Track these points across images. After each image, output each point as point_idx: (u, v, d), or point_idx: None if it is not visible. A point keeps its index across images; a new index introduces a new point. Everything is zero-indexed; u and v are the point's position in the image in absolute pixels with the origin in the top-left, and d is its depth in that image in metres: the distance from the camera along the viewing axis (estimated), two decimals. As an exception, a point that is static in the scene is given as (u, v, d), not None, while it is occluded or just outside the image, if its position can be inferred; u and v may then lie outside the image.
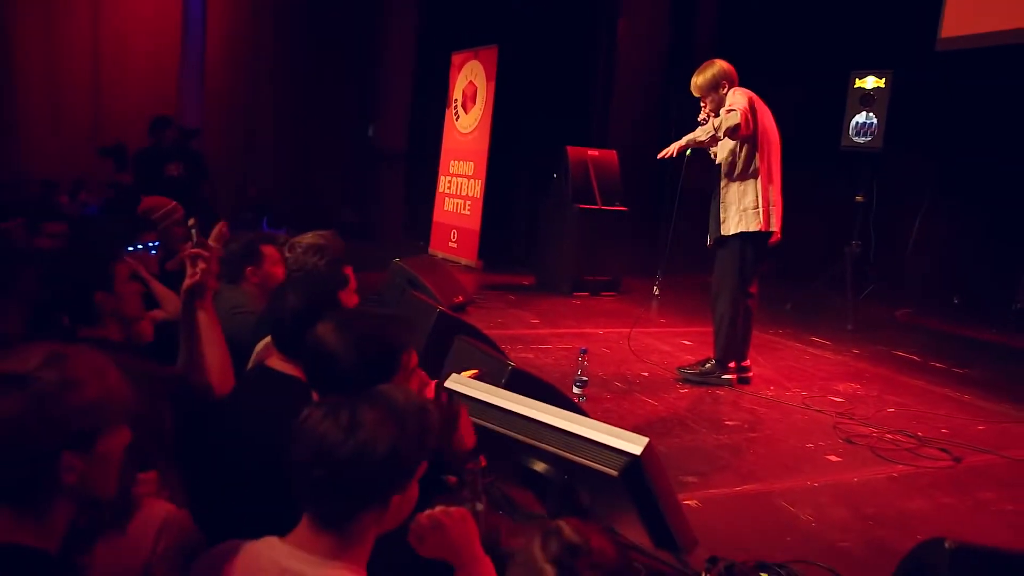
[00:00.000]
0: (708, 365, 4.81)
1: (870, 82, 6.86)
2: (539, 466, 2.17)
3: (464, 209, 9.23)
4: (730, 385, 4.72)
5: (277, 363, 2.30)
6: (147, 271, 3.41)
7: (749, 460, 3.66)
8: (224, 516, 1.88)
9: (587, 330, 6.09)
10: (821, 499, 3.24)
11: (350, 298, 2.73)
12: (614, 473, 1.85)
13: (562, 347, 5.43)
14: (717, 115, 4.53)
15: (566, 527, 1.24)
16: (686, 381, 4.79)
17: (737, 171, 4.55)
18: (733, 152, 4.56)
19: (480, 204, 8.89)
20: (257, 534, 1.52)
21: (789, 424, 4.19)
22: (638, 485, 1.87)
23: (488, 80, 9.01)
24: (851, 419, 4.26)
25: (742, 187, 4.54)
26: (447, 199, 9.64)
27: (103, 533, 1.47)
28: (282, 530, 1.49)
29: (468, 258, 8.93)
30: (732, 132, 4.36)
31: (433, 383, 2.53)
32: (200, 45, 9.94)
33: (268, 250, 3.43)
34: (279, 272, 3.38)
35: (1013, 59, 6.53)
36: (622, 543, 1.28)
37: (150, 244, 3.77)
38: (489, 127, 8.87)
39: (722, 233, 4.62)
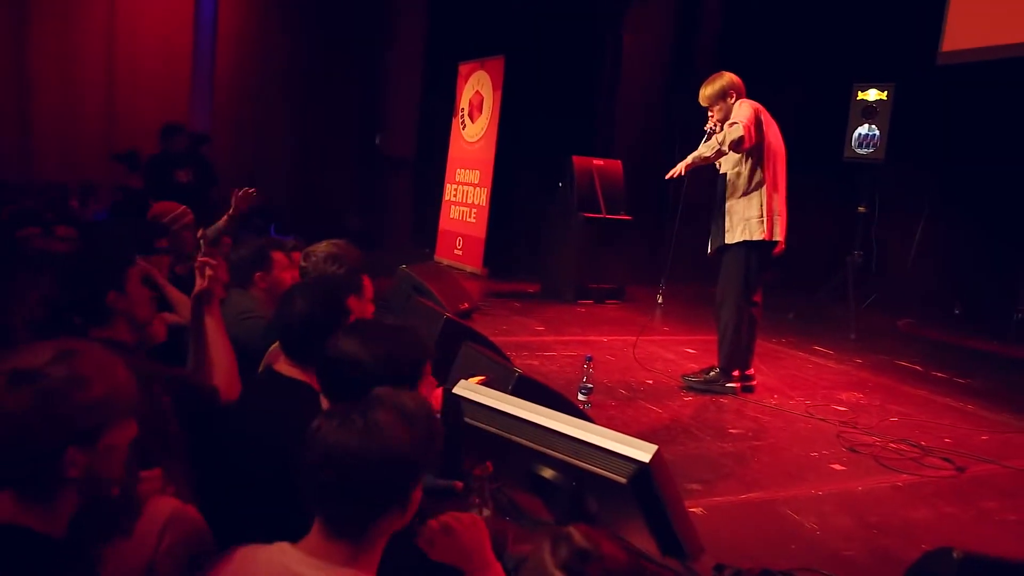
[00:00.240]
0: (712, 373, 4.83)
1: (872, 94, 6.92)
2: (546, 472, 2.19)
3: (470, 217, 9.27)
4: (734, 393, 4.74)
5: (285, 367, 2.32)
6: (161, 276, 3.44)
7: (753, 468, 3.68)
8: (232, 518, 1.90)
9: (592, 338, 6.12)
10: (825, 507, 3.26)
11: (365, 307, 2.75)
12: (623, 480, 1.86)
13: (567, 354, 5.45)
14: (723, 125, 4.58)
15: (576, 533, 1.24)
16: (690, 389, 4.81)
17: (742, 181, 4.58)
18: (739, 163, 4.59)
19: (486, 212, 8.93)
20: (265, 536, 1.53)
21: (793, 433, 4.21)
22: (646, 492, 1.89)
23: (495, 90, 9.06)
24: (854, 428, 4.28)
25: (747, 197, 4.57)
26: (453, 207, 9.68)
27: (110, 521, 1.50)
28: (290, 532, 1.50)
29: (473, 265, 8.96)
30: (736, 145, 4.40)
31: (440, 389, 2.56)
32: (211, 52, 10.01)
33: (277, 256, 3.46)
34: (288, 278, 3.41)
35: (1014, 73, 6.57)
36: (632, 550, 1.28)
37: (161, 249, 3.80)
38: (495, 136, 8.92)
39: (726, 242, 4.64)
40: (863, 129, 6.98)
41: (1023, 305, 7.03)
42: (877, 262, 7.25)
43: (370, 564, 1.47)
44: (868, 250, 7.08)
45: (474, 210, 9.20)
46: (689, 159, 4.58)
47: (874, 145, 6.93)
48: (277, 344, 2.57)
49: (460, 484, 2.66)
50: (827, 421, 4.39)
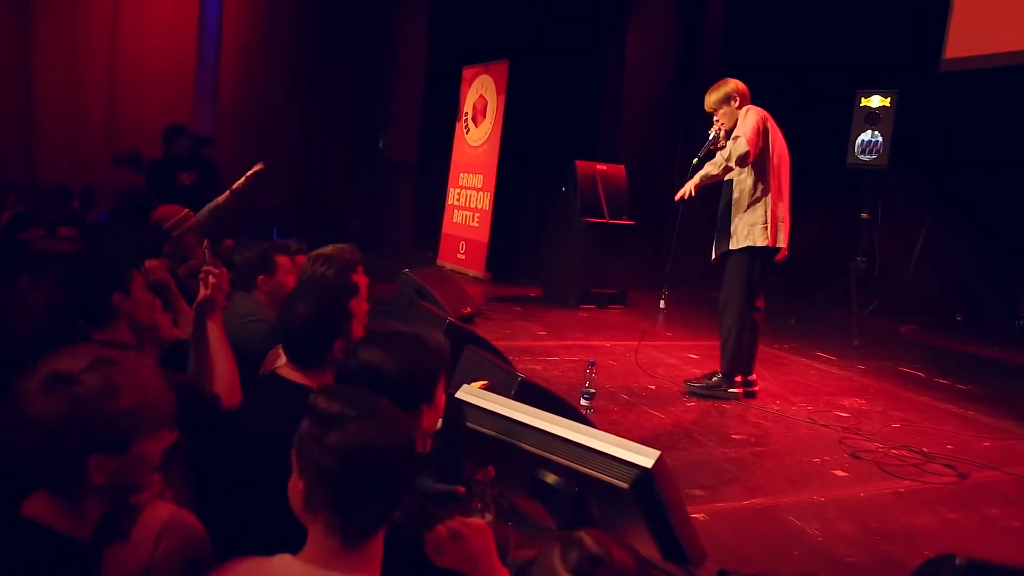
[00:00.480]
0: (715, 379, 4.83)
1: (876, 101, 6.93)
2: (549, 477, 2.19)
3: (473, 221, 9.28)
4: (736, 399, 4.74)
5: (288, 372, 2.32)
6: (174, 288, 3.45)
7: (756, 474, 3.68)
8: (233, 522, 1.90)
9: (594, 342, 6.12)
10: (828, 513, 3.25)
11: (359, 305, 2.75)
12: (625, 485, 1.86)
13: (569, 359, 5.45)
14: (729, 134, 4.61)
15: (587, 538, 1.22)
16: (692, 394, 4.81)
17: (747, 188, 4.59)
18: (744, 170, 4.61)
19: (489, 216, 8.94)
20: (266, 541, 1.52)
21: (795, 438, 4.21)
22: (649, 498, 1.88)
23: (498, 94, 9.08)
24: (857, 434, 4.27)
25: (752, 203, 4.58)
26: (456, 211, 9.69)
27: (130, 525, 1.51)
28: (291, 537, 1.48)
29: (476, 270, 8.97)
30: (742, 161, 4.46)
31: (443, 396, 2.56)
32: (215, 54, 10.05)
33: (281, 260, 3.46)
34: (291, 282, 3.41)
35: (1016, 80, 6.58)
36: (640, 556, 1.27)
37: (165, 255, 3.82)
38: (499, 141, 8.94)
39: (731, 248, 4.65)
40: (866, 135, 6.99)
41: (1025, 312, 7.03)
42: (880, 268, 7.25)
43: (375, 568, 1.46)
44: (871, 256, 7.08)
45: (477, 214, 9.21)
46: (697, 179, 4.63)
47: (877, 151, 6.94)
48: (277, 348, 2.58)
49: (462, 488, 2.66)
50: (829, 427, 4.38)
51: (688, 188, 4.64)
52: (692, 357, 5.82)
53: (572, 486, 2.10)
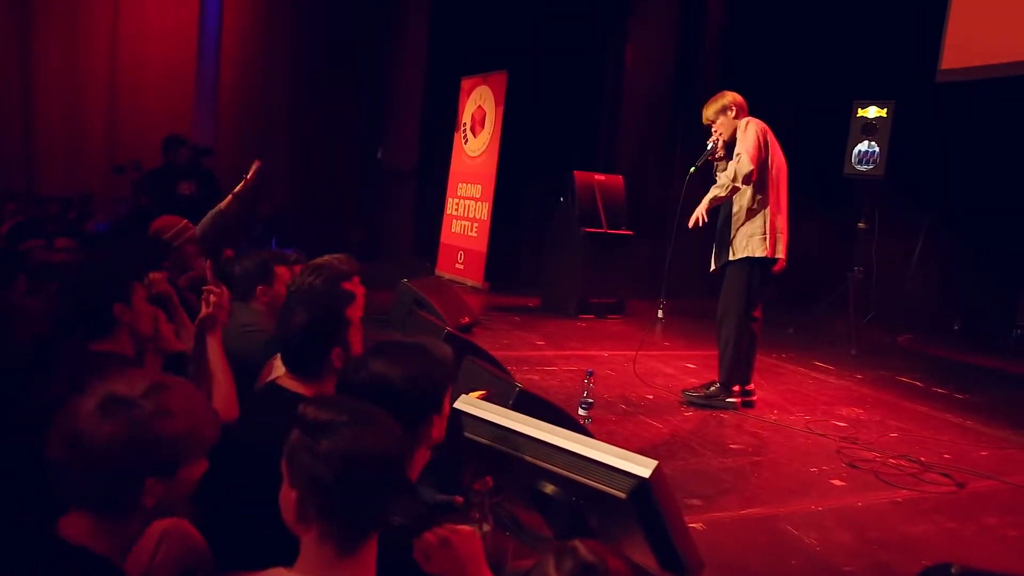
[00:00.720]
0: (712, 388, 4.84)
1: (872, 112, 6.97)
2: (547, 487, 2.19)
3: (471, 231, 9.30)
4: (734, 408, 4.75)
5: (287, 381, 2.33)
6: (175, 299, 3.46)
7: (753, 483, 3.68)
8: (233, 532, 1.91)
9: (592, 352, 6.13)
10: (825, 523, 3.26)
11: (356, 313, 2.76)
12: (622, 495, 1.87)
13: (567, 369, 5.46)
14: (727, 144, 4.67)
15: (582, 546, 1.22)
16: (691, 404, 4.82)
17: (747, 200, 4.63)
18: None
19: (487, 226, 8.96)
20: (265, 551, 1.52)
21: (793, 448, 4.22)
22: (646, 508, 1.89)
23: (497, 105, 9.12)
24: (854, 444, 4.28)
25: (751, 215, 4.62)
26: (455, 221, 9.71)
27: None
28: (290, 545, 1.48)
29: (475, 279, 8.99)
30: (747, 179, 4.51)
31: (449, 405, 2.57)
32: (214, 65, 10.09)
33: (280, 270, 3.47)
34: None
35: (1013, 91, 6.62)
36: (636, 566, 1.28)
37: (165, 268, 3.83)
38: (497, 151, 8.97)
39: (730, 259, 4.68)
40: (863, 146, 7.02)
41: (1022, 321, 7.05)
42: (877, 278, 7.27)
43: (370, 574, 1.47)
44: (868, 266, 7.10)
45: (476, 224, 9.23)
46: (706, 203, 4.67)
47: (874, 162, 6.97)
48: (276, 358, 2.59)
49: (460, 499, 2.67)
50: (827, 436, 4.39)
51: (699, 214, 4.68)
52: (690, 367, 5.83)
53: (570, 496, 2.11)
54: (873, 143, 6.96)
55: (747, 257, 4.63)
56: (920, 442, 4.39)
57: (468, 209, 9.43)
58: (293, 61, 10.68)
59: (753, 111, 4.80)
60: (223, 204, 4.79)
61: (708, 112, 4.77)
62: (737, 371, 4.77)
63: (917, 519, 3.36)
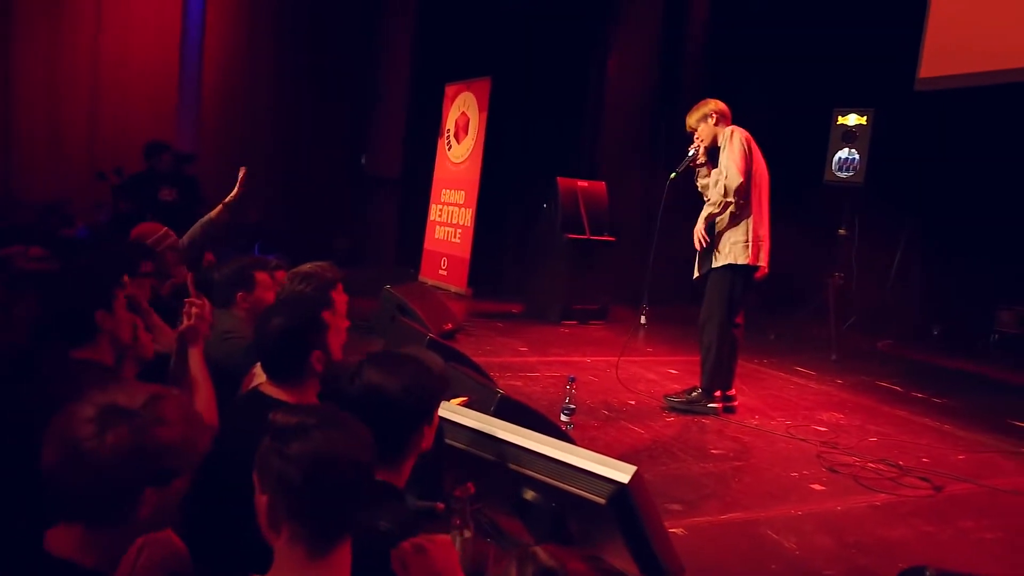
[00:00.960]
0: (695, 394, 4.87)
1: (852, 119, 7.05)
2: (527, 494, 2.21)
3: (455, 237, 9.30)
4: (716, 414, 4.78)
5: (269, 388, 2.34)
6: (145, 302, 3.44)
7: (734, 488, 3.71)
8: (214, 540, 1.90)
9: (575, 358, 6.15)
10: (805, 527, 3.28)
11: (340, 322, 2.77)
12: (602, 501, 1.89)
13: (550, 375, 5.48)
14: (709, 151, 4.75)
15: (541, 552, 1.24)
16: (672, 409, 4.84)
17: (730, 209, 4.67)
18: (731, 191, 4.69)
19: (470, 233, 8.97)
20: (246, 557, 1.52)
21: (774, 453, 4.25)
22: (625, 513, 1.91)
23: (480, 111, 9.13)
24: (834, 448, 4.32)
25: (734, 223, 4.66)
26: (438, 227, 9.71)
27: None
28: (270, 553, 1.48)
29: (458, 286, 8.99)
30: (739, 192, 4.59)
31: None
32: (197, 70, 10.04)
33: (260, 276, 3.45)
34: (270, 298, 3.41)
35: (990, 98, 6.72)
36: (605, 568, 1.29)
37: (146, 272, 3.80)
38: (481, 157, 8.98)
39: (713, 266, 4.72)
40: (843, 153, 7.10)
41: (1000, 327, 7.14)
42: (857, 284, 7.34)
43: None
44: (848, 272, 7.17)
45: (459, 230, 9.24)
46: (702, 222, 4.75)
47: (854, 169, 7.04)
48: (257, 364, 2.59)
49: (442, 505, 2.67)
50: (808, 441, 4.43)
51: (699, 235, 4.75)
52: (672, 372, 5.86)
53: (550, 502, 2.12)
54: (853, 150, 7.04)
55: (730, 264, 4.67)
56: (899, 446, 4.44)
57: (451, 215, 9.44)
58: (276, 67, 10.65)
59: (735, 118, 4.86)
60: (213, 213, 4.76)
61: (690, 119, 4.85)
62: (719, 377, 4.81)
63: (895, 523, 3.40)
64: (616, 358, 5.67)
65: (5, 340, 2.50)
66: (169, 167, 6.95)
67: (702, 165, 4.85)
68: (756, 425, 4.70)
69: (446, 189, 9.67)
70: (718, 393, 4.83)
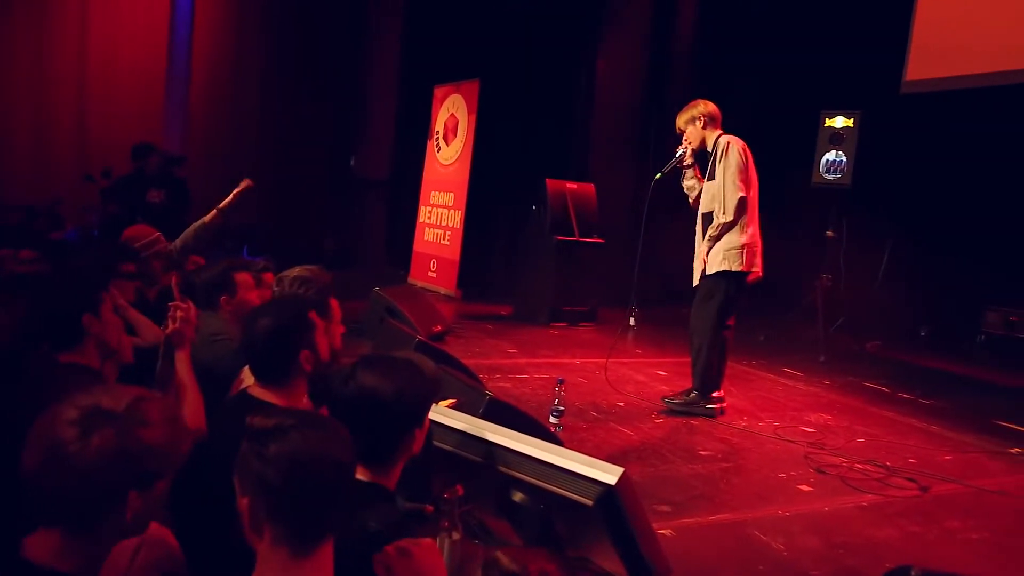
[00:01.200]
0: (692, 395, 4.87)
1: (839, 122, 7.09)
2: (516, 496, 2.21)
3: (444, 239, 9.30)
4: (712, 415, 4.79)
5: (257, 391, 2.33)
6: (124, 299, 3.42)
7: (722, 490, 3.72)
8: (204, 542, 1.90)
9: (564, 360, 6.15)
10: (793, 528, 3.30)
11: (334, 328, 2.76)
12: (589, 503, 1.89)
13: (539, 377, 5.48)
14: (696, 152, 4.78)
15: (504, 557, 1.26)
16: (671, 412, 4.83)
17: (724, 215, 4.70)
18: (727, 198, 4.71)
19: (460, 234, 8.97)
20: (235, 560, 1.52)
21: (762, 454, 4.26)
22: (613, 514, 1.91)
23: (469, 113, 9.14)
24: (822, 449, 4.34)
25: (729, 230, 4.68)
26: (427, 229, 9.71)
27: None
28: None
29: (447, 287, 8.98)
30: (740, 208, 4.64)
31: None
32: (185, 73, 10.00)
33: (241, 277, 3.41)
34: (254, 297, 3.39)
35: (975, 101, 6.77)
36: (585, 568, 1.30)
37: (127, 274, 3.79)
38: (470, 159, 8.98)
39: (707, 272, 4.74)
40: (831, 155, 7.14)
41: (986, 327, 7.20)
42: (845, 285, 7.38)
43: None
44: (836, 273, 7.21)
45: (448, 232, 9.24)
46: (706, 247, 4.75)
47: (841, 171, 7.09)
48: (247, 367, 2.58)
49: (431, 507, 2.67)
50: (796, 442, 4.45)
51: (706, 258, 4.76)
52: (660, 374, 5.88)
53: (538, 504, 2.13)
54: (840, 153, 7.09)
55: (724, 271, 4.69)
56: (886, 447, 4.46)
57: (441, 217, 9.44)
58: (265, 69, 10.62)
59: (723, 120, 4.88)
60: (207, 218, 4.75)
61: (679, 120, 4.89)
62: (709, 378, 4.82)
63: (882, 523, 3.42)
64: (606, 360, 5.68)
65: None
66: (157, 169, 6.92)
67: (689, 167, 4.88)
68: (744, 426, 4.71)
69: (435, 191, 9.67)
70: (716, 394, 4.85)
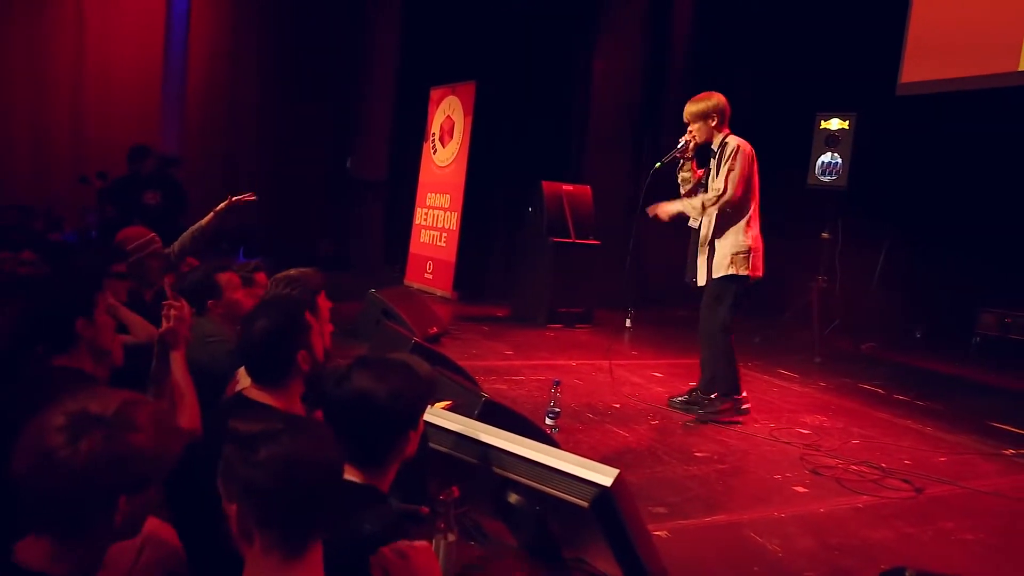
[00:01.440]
0: (717, 401, 4.86)
1: (835, 123, 7.11)
2: (511, 497, 2.21)
3: (440, 241, 9.30)
4: (746, 412, 4.83)
5: (253, 392, 2.33)
6: (115, 299, 3.41)
7: (718, 491, 3.73)
8: (201, 545, 1.90)
9: (560, 362, 6.15)
10: (788, 529, 3.30)
11: (323, 326, 2.76)
12: (584, 504, 1.90)
13: (535, 378, 5.48)
14: (699, 147, 4.80)
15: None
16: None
17: (729, 220, 4.72)
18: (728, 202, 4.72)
19: (456, 236, 8.97)
20: (232, 563, 1.51)
21: (757, 455, 4.27)
22: (608, 516, 1.92)
23: (465, 115, 9.14)
24: (817, 451, 4.35)
25: (734, 233, 4.71)
26: (423, 231, 9.71)
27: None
28: None
29: (443, 289, 8.98)
30: (730, 204, 4.65)
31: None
32: (181, 75, 10.00)
33: (224, 278, 3.39)
34: (241, 296, 3.38)
35: (970, 102, 6.79)
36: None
37: (118, 274, 3.79)
38: (466, 161, 8.99)
39: (714, 276, 4.75)
40: (826, 157, 7.16)
41: (981, 329, 7.22)
42: (841, 287, 7.40)
43: None
44: (832, 275, 7.22)
45: (444, 234, 9.24)
46: (672, 209, 4.80)
47: (837, 173, 7.10)
48: (242, 369, 2.58)
49: (426, 509, 2.67)
50: (791, 444, 4.45)
51: (661, 214, 4.78)
52: (657, 376, 5.88)
53: (533, 505, 2.13)
54: (836, 154, 7.10)
55: (732, 275, 4.71)
56: (881, 448, 4.47)
57: (437, 219, 9.44)
58: (261, 70, 10.62)
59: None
60: (204, 221, 4.75)
61: (689, 110, 4.79)
62: (734, 378, 4.85)
63: (877, 524, 3.43)
64: (602, 361, 5.68)
65: None
66: (153, 170, 6.91)
67: (689, 159, 4.86)
68: (740, 428, 4.72)
69: (431, 193, 9.67)
70: (744, 395, 4.89)
